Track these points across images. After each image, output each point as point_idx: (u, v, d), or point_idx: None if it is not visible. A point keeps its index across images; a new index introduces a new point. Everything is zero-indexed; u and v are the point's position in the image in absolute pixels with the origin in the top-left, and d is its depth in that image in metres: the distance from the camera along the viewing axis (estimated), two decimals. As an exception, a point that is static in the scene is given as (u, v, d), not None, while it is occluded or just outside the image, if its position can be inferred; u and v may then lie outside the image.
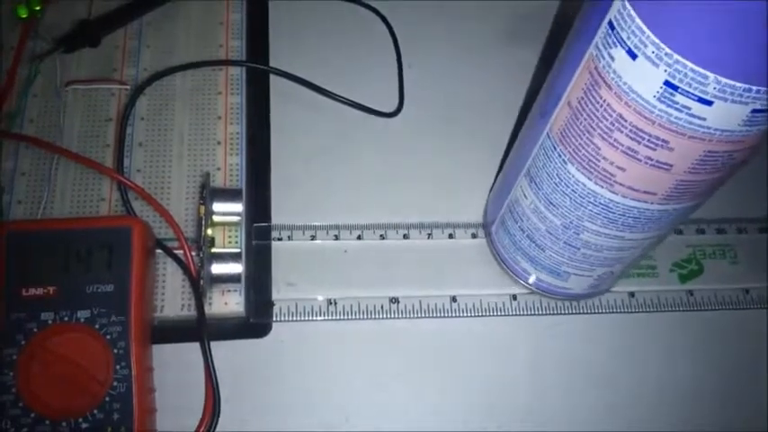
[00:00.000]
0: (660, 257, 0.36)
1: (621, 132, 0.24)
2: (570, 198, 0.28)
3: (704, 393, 0.34)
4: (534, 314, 0.35)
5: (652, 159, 0.24)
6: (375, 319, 0.35)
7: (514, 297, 0.35)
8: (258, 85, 0.40)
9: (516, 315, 0.35)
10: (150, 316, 0.33)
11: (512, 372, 0.34)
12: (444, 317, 0.35)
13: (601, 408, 0.34)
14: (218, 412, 0.32)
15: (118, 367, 0.30)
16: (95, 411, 0.29)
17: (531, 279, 0.35)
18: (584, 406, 0.34)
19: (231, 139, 0.38)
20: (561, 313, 0.35)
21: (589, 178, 0.27)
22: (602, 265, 0.31)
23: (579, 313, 0.35)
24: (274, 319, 0.34)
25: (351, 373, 0.34)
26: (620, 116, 0.24)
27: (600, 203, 0.27)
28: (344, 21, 0.43)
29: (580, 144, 0.26)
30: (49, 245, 0.31)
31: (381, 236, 0.37)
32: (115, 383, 0.30)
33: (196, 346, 0.33)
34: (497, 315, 0.35)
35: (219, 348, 0.33)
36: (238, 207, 0.35)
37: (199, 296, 0.33)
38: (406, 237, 0.37)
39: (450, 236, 0.37)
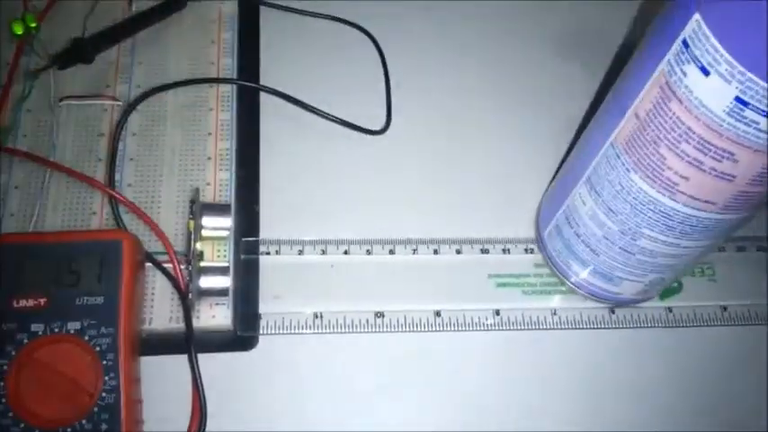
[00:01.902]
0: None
1: (689, 144, 0.25)
2: (631, 205, 0.29)
3: (684, 411, 0.35)
4: (517, 329, 0.36)
5: (716, 170, 0.26)
6: (361, 333, 0.35)
7: (497, 312, 0.36)
8: (248, 103, 0.41)
9: (497, 330, 0.36)
10: (139, 328, 0.33)
11: (500, 385, 0.35)
12: (428, 331, 0.36)
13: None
14: (205, 423, 0.32)
15: (107, 378, 0.30)
16: (84, 422, 0.30)
17: (582, 283, 0.36)
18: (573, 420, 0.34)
19: (221, 154, 0.39)
20: (542, 328, 0.36)
21: (652, 186, 0.28)
22: (654, 271, 0.33)
23: (557, 329, 0.36)
24: (261, 332, 0.35)
25: (336, 387, 0.34)
26: (689, 128, 0.25)
27: (660, 211, 0.28)
28: (334, 40, 0.44)
29: (646, 154, 0.27)
30: (41, 257, 0.32)
31: (368, 251, 0.37)
32: (104, 394, 0.30)
33: (184, 358, 0.33)
34: (480, 330, 0.36)
35: (207, 361, 0.33)
36: (227, 222, 0.36)
37: (187, 309, 0.34)
38: (391, 252, 0.38)
39: (435, 251, 0.38)
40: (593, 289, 0.35)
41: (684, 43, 0.24)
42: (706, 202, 0.27)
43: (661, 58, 0.25)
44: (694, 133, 0.25)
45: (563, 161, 0.39)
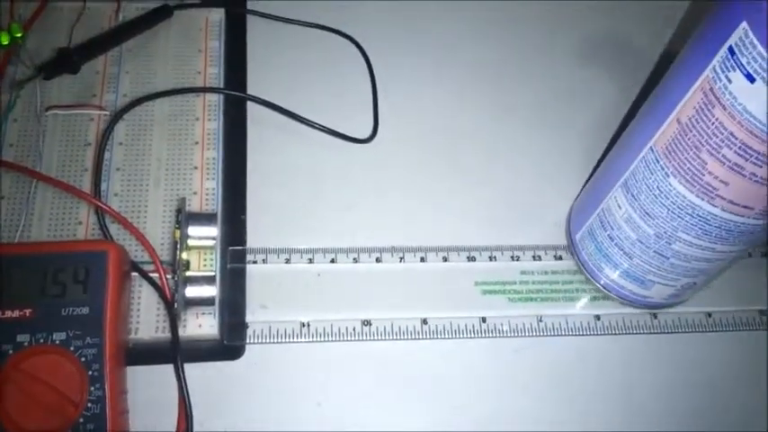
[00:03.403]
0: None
1: (730, 149, 0.26)
2: (668, 209, 0.30)
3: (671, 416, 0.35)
4: (503, 336, 0.36)
5: (756, 175, 0.26)
6: (347, 341, 0.35)
7: (483, 320, 0.36)
8: (235, 112, 0.41)
9: (483, 337, 0.36)
10: (125, 338, 0.33)
11: (486, 392, 0.35)
12: (415, 339, 0.36)
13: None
14: (191, 433, 0.32)
15: (92, 389, 0.30)
16: (69, 432, 0.30)
17: (613, 286, 0.36)
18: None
19: (208, 164, 0.39)
20: (528, 335, 0.36)
21: (691, 191, 0.29)
22: (687, 276, 0.33)
23: (543, 335, 0.36)
24: (248, 341, 0.35)
25: (324, 395, 0.34)
26: (731, 134, 0.26)
27: (698, 215, 0.29)
28: (321, 48, 0.44)
29: (686, 158, 0.28)
30: (26, 268, 0.32)
31: (354, 259, 0.38)
32: (89, 405, 0.30)
33: (170, 367, 0.33)
34: (467, 337, 0.36)
35: (193, 370, 0.34)
36: (213, 231, 0.36)
37: (173, 318, 0.34)
38: (378, 260, 0.38)
39: (422, 259, 0.38)
40: (623, 292, 0.36)
41: (731, 50, 0.25)
42: (744, 207, 0.28)
43: (706, 65, 0.26)
44: (736, 139, 0.26)
45: (595, 167, 0.40)
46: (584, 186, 0.39)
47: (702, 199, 0.29)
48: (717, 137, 0.26)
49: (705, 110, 0.26)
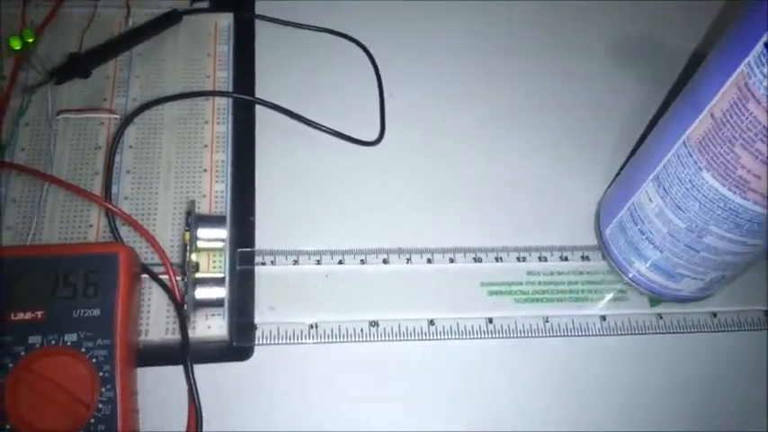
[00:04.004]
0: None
1: (764, 143, 0.27)
2: (700, 203, 0.31)
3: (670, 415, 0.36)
4: (510, 337, 0.36)
5: None
6: (355, 342, 0.36)
7: (490, 320, 0.36)
8: (244, 115, 0.42)
9: (489, 338, 0.36)
10: (135, 339, 0.34)
11: (494, 392, 0.35)
12: (422, 339, 0.36)
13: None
14: (201, 433, 0.33)
15: (103, 389, 0.31)
16: (80, 432, 0.30)
17: (642, 279, 0.37)
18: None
19: (217, 166, 0.39)
20: (535, 336, 0.36)
21: (723, 184, 0.29)
22: (716, 269, 0.34)
23: (549, 336, 0.36)
24: (257, 342, 0.35)
25: (332, 396, 0.35)
26: (765, 128, 0.26)
27: (730, 209, 0.30)
28: (328, 52, 0.45)
29: (719, 152, 0.29)
30: (38, 270, 0.32)
31: (362, 261, 0.38)
32: (100, 405, 0.30)
33: (180, 369, 0.34)
34: (473, 338, 0.36)
35: (202, 371, 0.34)
36: (223, 233, 0.36)
37: (183, 320, 0.34)
38: (385, 262, 0.38)
39: (429, 261, 0.38)
40: (653, 285, 0.36)
41: (766, 46, 0.25)
42: None
43: (741, 61, 0.26)
44: None
45: (623, 164, 0.40)
46: (612, 182, 0.40)
47: (734, 192, 0.29)
48: (751, 131, 0.27)
49: (739, 104, 0.27)
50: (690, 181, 0.31)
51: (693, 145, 0.30)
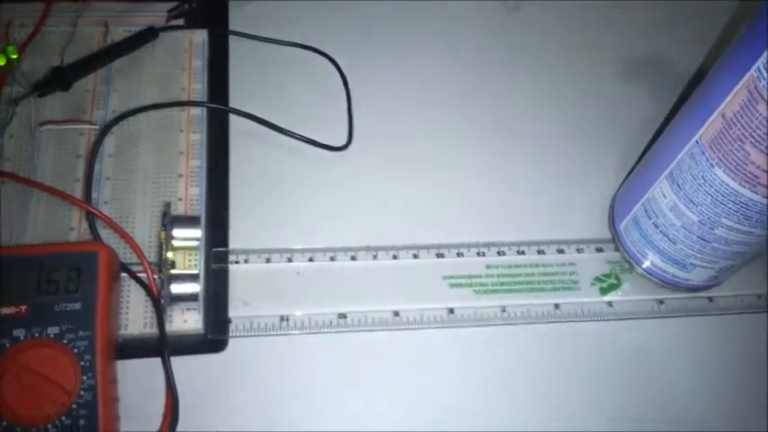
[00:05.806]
0: (582, 273, 0.40)
1: None
2: (712, 197, 0.33)
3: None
4: (469, 326, 0.39)
5: None
6: (325, 332, 0.38)
7: (451, 311, 0.39)
8: (218, 124, 0.44)
9: (454, 327, 0.39)
10: (115, 332, 0.36)
11: (457, 381, 0.37)
12: (388, 329, 0.38)
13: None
14: (177, 421, 0.35)
15: (84, 378, 0.32)
16: (63, 418, 0.32)
17: (654, 270, 0.39)
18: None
19: (192, 172, 0.41)
20: (493, 324, 0.39)
21: (734, 180, 0.31)
22: (727, 258, 0.36)
23: (508, 324, 0.39)
24: (231, 335, 0.37)
25: (304, 385, 0.37)
26: None
27: (740, 202, 0.32)
28: (298, 65, 0.47)
29: (730, 150, 0.31)
30: (22, 268, 0.34)
31: (331, 258, 0.40)
32: (82, 392, 0.32)
33: (158, 360, 0.36)
34: (435, 327, 0.38)
35: (179, 363, 0.36)
36: (197, 232, 0.38)
37: (160, 314, 0.36)
38: (353, 258, 0.40)
39: (395, 257, 0.40)
40: (665, 276, 0.39)
41: None
42: None
43: (751, 64, 0.29)
44: None
45: (636, 163, 0.42)
46: (624, 179, 0.42)
47: (745, 187, 0.31)
48: (760, 130, 0.29)
49: (749, 106, 0.29)
50: (702, 177, 0.33)
51: (706, 143, 0.32)
